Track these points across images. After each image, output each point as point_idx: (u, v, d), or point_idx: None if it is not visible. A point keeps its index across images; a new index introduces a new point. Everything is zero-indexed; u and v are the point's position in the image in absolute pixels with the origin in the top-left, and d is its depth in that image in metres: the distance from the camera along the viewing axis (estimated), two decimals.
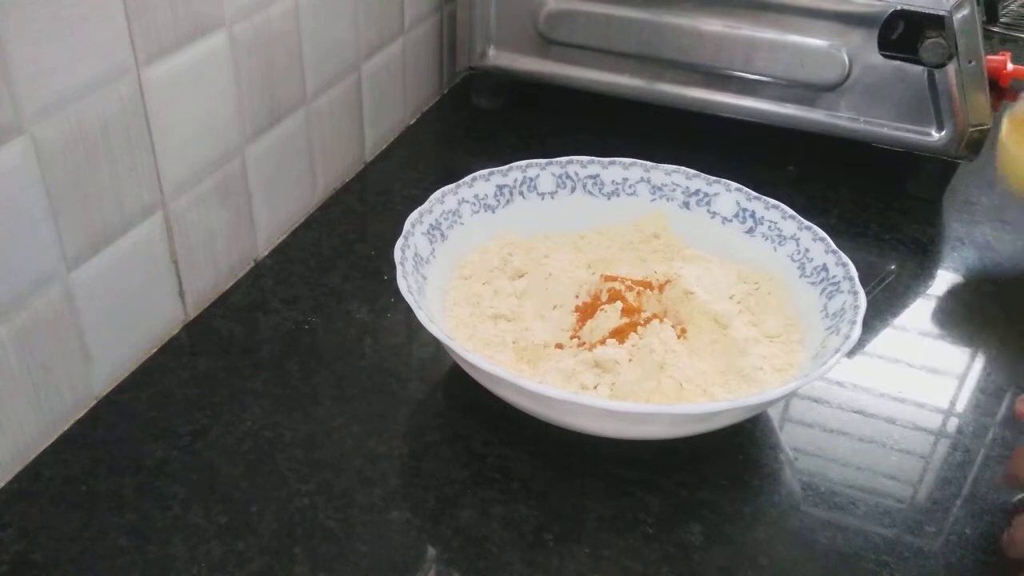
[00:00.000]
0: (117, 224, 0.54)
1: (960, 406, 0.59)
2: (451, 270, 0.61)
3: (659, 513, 0.51)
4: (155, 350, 0.59)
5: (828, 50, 0.75)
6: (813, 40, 0.76)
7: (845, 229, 0.75)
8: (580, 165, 0.66)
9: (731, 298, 0.60)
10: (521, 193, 0.65)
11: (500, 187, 0.64)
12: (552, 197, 0.66)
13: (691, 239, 0.65)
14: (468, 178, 0.63)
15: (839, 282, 0.57)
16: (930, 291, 0.70)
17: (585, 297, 0.59)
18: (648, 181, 0.66)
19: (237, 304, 0.64)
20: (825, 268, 0.58)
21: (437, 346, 0.60)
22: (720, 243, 0.64)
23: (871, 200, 0.79)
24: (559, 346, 0.57)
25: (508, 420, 0.54)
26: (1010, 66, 0.95)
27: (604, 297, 0.58)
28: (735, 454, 0.55)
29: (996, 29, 1.09)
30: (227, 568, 0.46)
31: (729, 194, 0.64)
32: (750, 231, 0.63)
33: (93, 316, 0.53)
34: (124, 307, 0.56)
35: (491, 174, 0.64)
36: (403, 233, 0.57)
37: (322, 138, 0.73)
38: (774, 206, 0.63)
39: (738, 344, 0.56)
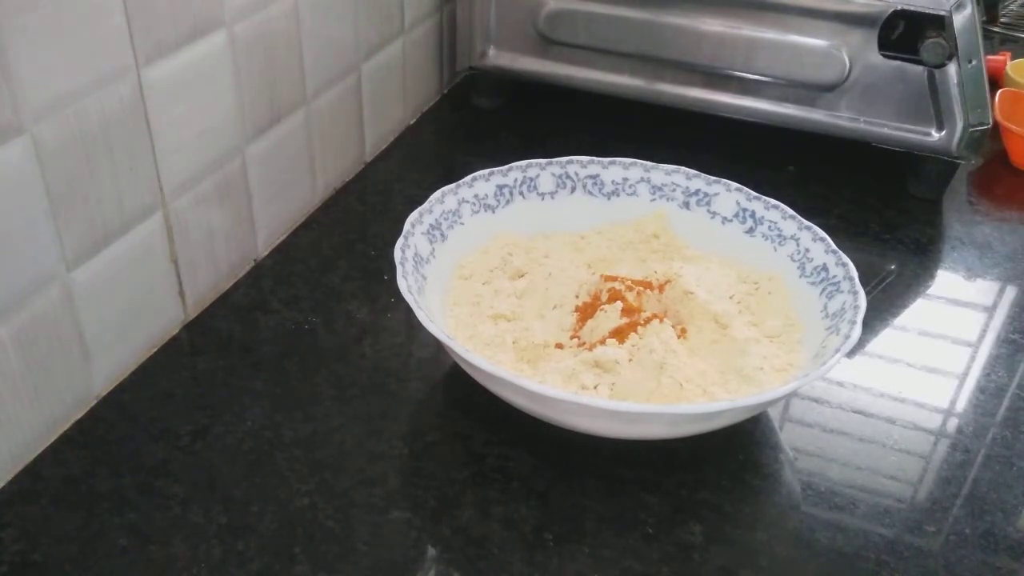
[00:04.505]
0: (117, 224, 0.54)
1: (960, 406, 0.59)
2: (451, 270, 0.61)
3: (659, 513, 0.51)
4: (155, 350, 0.59)
5: (828, 50, 0.75)
6: (813, 40, 0.76)
7: (845, 229, 0.75)
8: (580, 165, 0.66)
9: (731, 298, 0.60)
10: (521, 193, 0.65)
11: (500, 187, 0.64)
12: (552, 197, 0.66)
13: (691, 239, 0.65)
14: (468, 178, 0.63)
15: (839, 282, 0.57)
16: (930, 291, 0.70)
17: (585, 297, 0.59)
18: (648, 181, 0.66)
19: (237, 304, 0.64)
20: (825, 268, 0.58)
21: (437, 346, 0.60)
22: (720, 243, 0.64)
23: (871, 200, 0.79)
24: (559, 346, 0.57)
25: (508, 420, 0.54)
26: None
27: (604, 297, 0.58)
28: (735, 454, 0.55)
29: (996, 29, 1.09)
30: (227, 568, 0.46)
31: (729, 194, 0.64)
32: (750, 231, 0.63)
33: (93, 316, 0.53)
34: (124, 307, 0.56)
35: (491, 174, 0.64)
36: (403, 233, 0.57)
37: (322, 138, 0.73)
38: (774, 206, 0.63)
39: (738, 344, 0.56)
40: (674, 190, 0.66)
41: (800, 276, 0.60)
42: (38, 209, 0.48)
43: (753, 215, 0.63)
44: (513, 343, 0.56)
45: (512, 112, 0.90)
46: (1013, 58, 0.96)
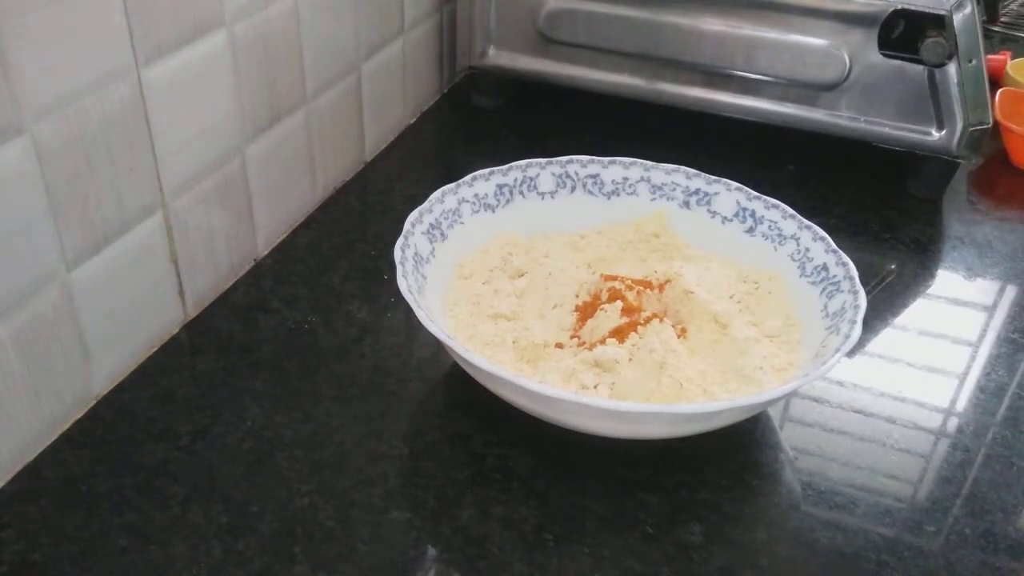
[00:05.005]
0: (117, 224, 0.54)
1: (960, 406, 0.59)
2: (451, 270, 0.61)
3: (659, 513, 0.51)
4: (155, 350, 0.59)
5: (828, 50, 0.75)
6: (813, 40, 0.75)
7: (845, 229, 0.75)
8: (580, 165, 0.66)
9: (731, 298, 0.60)
10: (521, 193, 0.65)
11: (500, 187, 0.64)
12: (552, 197, 0.66)
13: (691, 239, 0.65)
14: (468, 178, 0.63)
15: (839, 282, 0.57)
16: (930, 291, 0.70)
17: (585, 297, 0.59)
18: (648, 181, 0.66)
19: (237, 304, 0.64)
20: (825, 268, 0.58)
21: (437, 346, 0.60)
22: (720, 243, 0.64)
23: (871, 200, 0.79)
24: (559, 346, 0.57)
25: (508, 420, 0.54)
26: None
27: (604, 297, 0.58)
28: (735, 454, 0.55)
29: (996, 29, 1.09)
30: (227, 568, 0.46)
31: (729, 194, 0.64)
32: (750, 231, 0.63)
33: (93, 316, 0.53)
34: (124, 307, 0.56)
35: (491, 174, 0.64)
36: (403, 233, 0.57)
37: (322, 138, 0.73)
38: (774, 206, 0.63)
39: (738, 344, 0.55)
40: (674, 190, 0.66)
41: (800, 276, 0.60)
42: (38, 209, 0.48)
43: (753, 215, 0.63)
44: (513, 343, 0.56)
45: (512, 112, 0.90)
46: (1013, 58, 0.96)
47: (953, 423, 0.58)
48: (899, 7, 0.72)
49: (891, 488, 0.53)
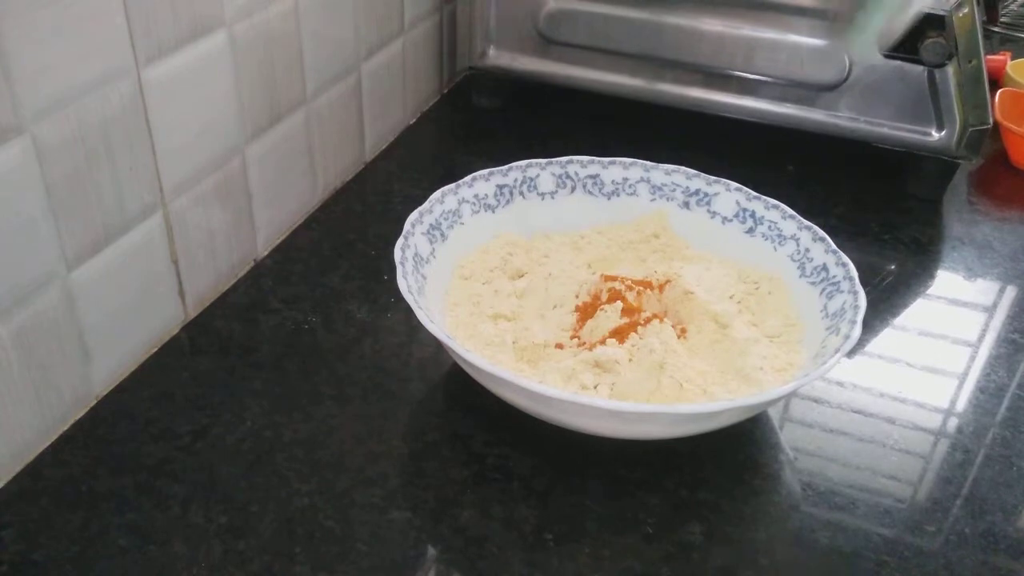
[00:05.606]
0: (117, 224, 0.54)
1: (960, 406, 0.59)
2: (451, 270, 0.61)
3: (659, 513, 0.51)
4: (155, 350, 0.59)
5: (828, 50, 0.75)
6: (813, 40, 0.76)
7: (845, 229, 0.75)
8: (580, 165, 0.66)
9: (731, 298, 0.60)
10: (521, 193, 0.65)
11: (500, 187, 0.64)
12: (552, 197, 0.66)
13: (691, 239, 0.65)
14: (468, 178, 0.63)
15: (839, 282, 0.57)
16: (930, 291, 0.70)
17: (585, 297, 0.59)
18: (648, 181, 0.66)
19: (237, 304, 0.64)
20: (825, 268, 0.58)
21: (437, 346, 0.60)
22: (720, 243, 0.64)
23: (871, 200, 0.79)
24: (559, 346, 0.57)
25: (508, 420, 0.54)
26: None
27: (604, 297, 0.58)
28: (735, 454, 0.55)
29: (996, 29, 1.09)
30: (227, 568, 0.46)
31: (729, 194, 0.64)
32: (750, 231, 0.63)
33: (93, 316, 0.53)
34: (124, 307, 0.56)
35: (491, 174, 0.64)
36: (403, 233, 0.57)
37: (322, 138, 0.73)
38: (774, 206, 0.63)
39: (738, 344, 0.55)
40: (674, 190, 0.66)
41: (800, 276, 0.60)
42: (38, 209, 0.48)
43: (753, 215, 0.63)
44: (513, 343, 0.56)
45: (512, 112, 0.90)
46: (1013, 58, 0.96)
47: (953, 423, 0.58)
48: None
49: (891, 488, 0.53)
